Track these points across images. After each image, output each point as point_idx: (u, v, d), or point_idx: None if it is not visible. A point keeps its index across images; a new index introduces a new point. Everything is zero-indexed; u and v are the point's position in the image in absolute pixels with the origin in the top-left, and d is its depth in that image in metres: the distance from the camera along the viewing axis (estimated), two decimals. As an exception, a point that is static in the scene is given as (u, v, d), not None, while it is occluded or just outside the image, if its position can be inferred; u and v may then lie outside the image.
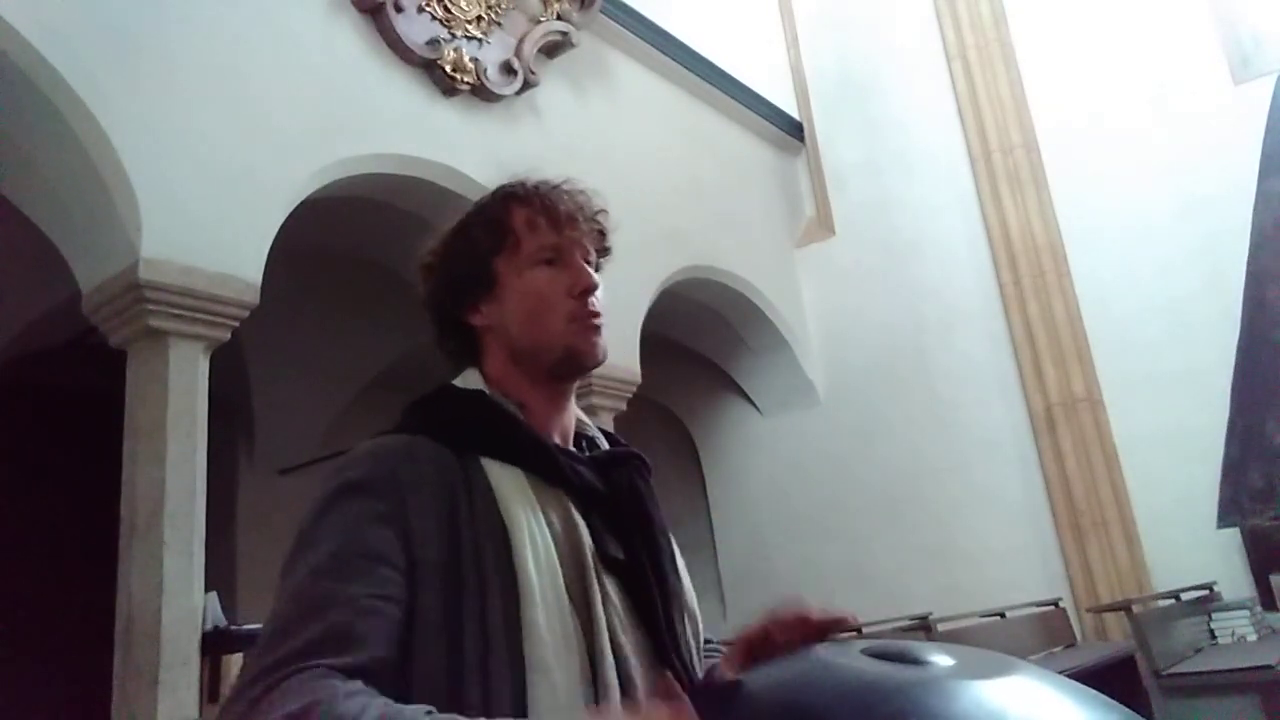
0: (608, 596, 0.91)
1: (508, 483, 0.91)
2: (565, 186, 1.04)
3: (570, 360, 0.99)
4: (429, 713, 0.73)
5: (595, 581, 0.90)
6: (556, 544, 0.90)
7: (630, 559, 0.95)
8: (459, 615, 0.84)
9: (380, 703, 0.73)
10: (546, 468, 0.94)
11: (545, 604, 0.85)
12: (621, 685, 0.87)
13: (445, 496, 0.89)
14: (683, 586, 1.00)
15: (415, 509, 0.87)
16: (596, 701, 0.85)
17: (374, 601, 0.81)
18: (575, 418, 1.06)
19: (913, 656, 0.61)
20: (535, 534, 0.89)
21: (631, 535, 0.96)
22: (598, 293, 1.01)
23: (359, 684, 0.75)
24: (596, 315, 1.00)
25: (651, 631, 0.93)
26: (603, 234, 1.05)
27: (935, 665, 0.59)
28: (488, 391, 1.00)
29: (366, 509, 0.86)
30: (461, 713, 0.75)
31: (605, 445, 1.08)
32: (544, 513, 0.91)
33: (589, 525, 0.93)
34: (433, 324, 1.07)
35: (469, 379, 1.02)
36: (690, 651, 0.96)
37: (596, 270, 1.04)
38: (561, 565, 0.89)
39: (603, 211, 1.06)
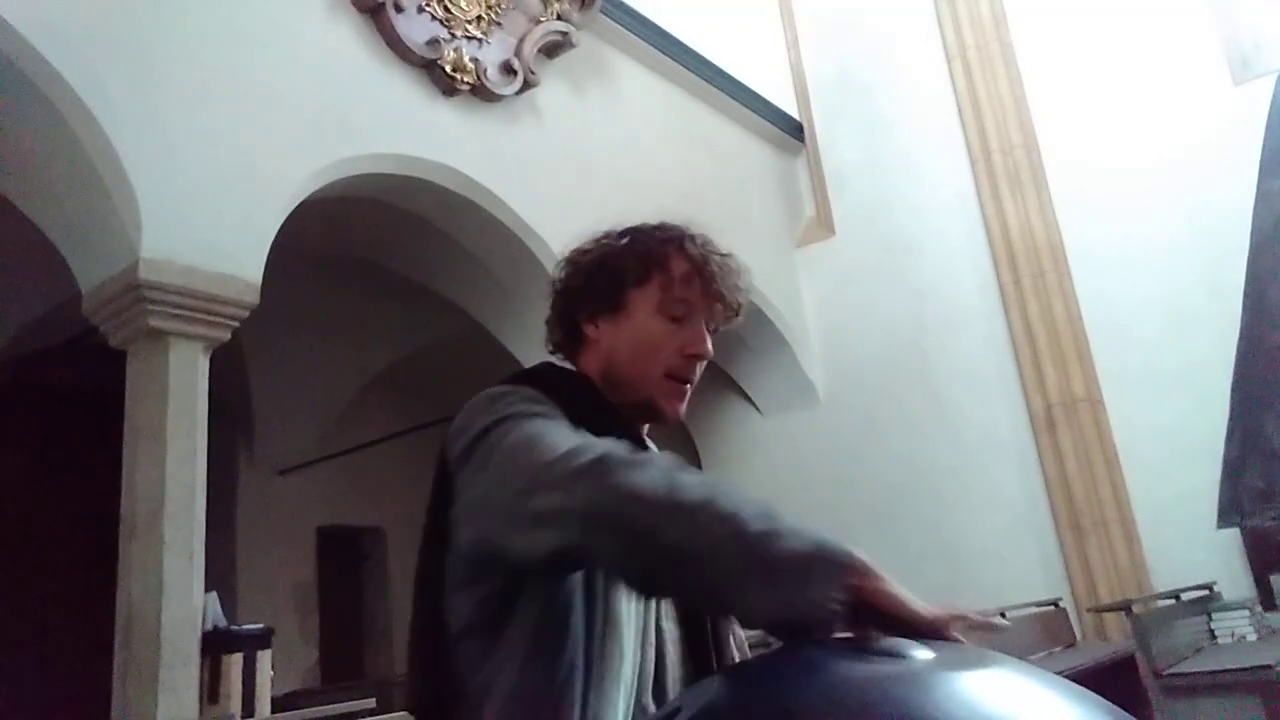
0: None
1: None
2: (729, 261, 1.05)
3: (648, 410, 1.03)
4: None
5: None
6: None
7: None
8: None
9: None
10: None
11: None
12: (657, 664, 0.92)
13: None
14: None
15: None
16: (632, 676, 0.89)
17: None
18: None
19: (895, 651, 0.61)
20: None
21: None
22: (703, 363, 1.05)
23: None
24: (690, 382, 1.04)
25: (692, 628, 0.97)
26: (736, 316, 1.08)
27: (914, 659, 0.60)
28: (590, 374, 1.05)
29: (544, 412, 0.91)
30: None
31: None
32: None
33: None
34: (551, 307, 1.10)
35: (566, 365, 1.07)
36: (730, 648, 1.00)
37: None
38: None
39: (748, 294, 1.08)
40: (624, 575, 0.78)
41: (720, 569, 0.69)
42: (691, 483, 0.73)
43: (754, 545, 0.68)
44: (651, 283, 1.02)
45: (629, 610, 0.90)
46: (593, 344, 1.05)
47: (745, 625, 0.77)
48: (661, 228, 1.06)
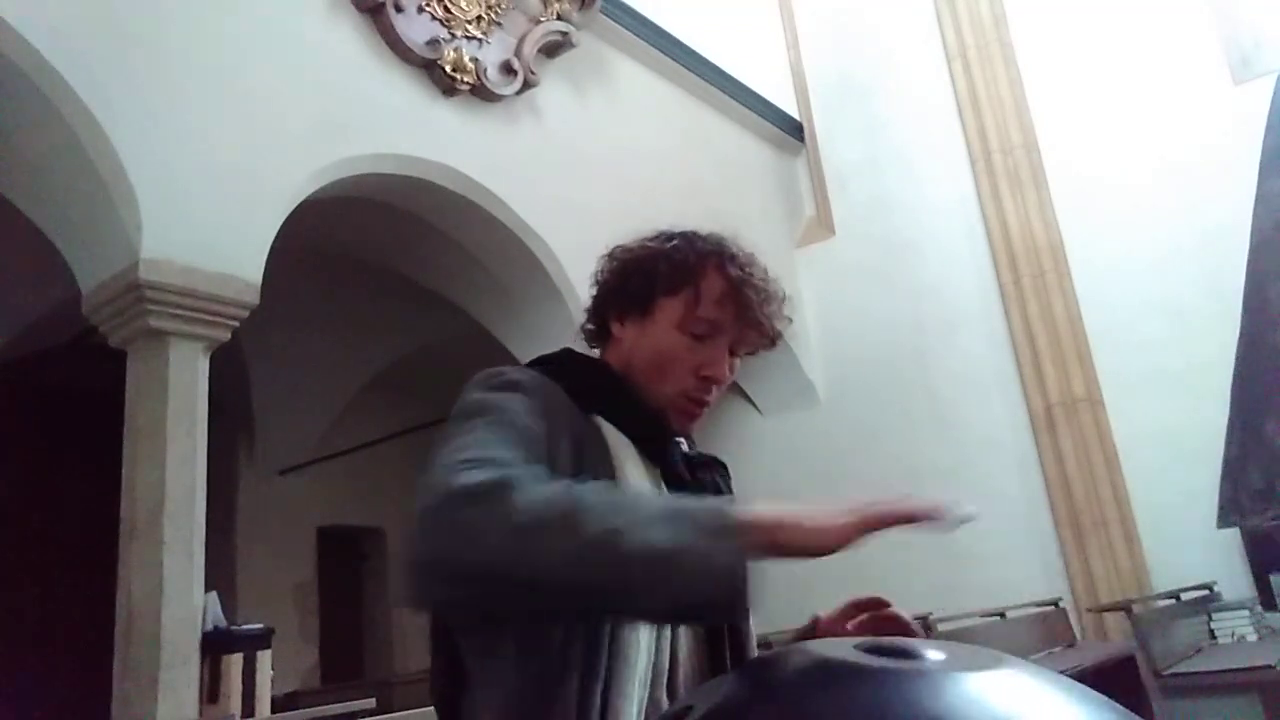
0: None
1: (619, 441, 0.96)
2: (767, 285, 1.02)
3: (657, 421, 1.01)
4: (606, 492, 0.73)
5: None
6: None
7: None
8: None
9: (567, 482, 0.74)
10: (652, 441, 0.99)
11: None
12: (671, 658, 0.91)
13: (574, 430, 0.92)
14: None
15: (556, 426, 0.90)
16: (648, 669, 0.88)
17: (535, 461, 0.83)
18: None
19: (905, 651, 0.61)
20: (640, 486, 0.94)
21: None
22: (721, 387, 1.03)
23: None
24: (705, 404, 1.02)
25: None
26: (767, 343, 1.05)
27: (926, 659, 0.60)
28: (611, 364, 1.04)
29: (525, 403, 0.89)
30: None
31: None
32: (648, 482, 0.96)
33: None
34: (591, 297, 1.09)
35: (590, 353, 1.07)
36: (751, 641, 1.00)
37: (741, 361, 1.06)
38: None
39: (785, 321, 1.05)
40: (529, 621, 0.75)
41: (617, 585, 0.66)
42: (558, 502, 0.69)
43: (645, 552, 0.65)
44: (681, 295, 1.00)
45: None
46: (617, 342, 1.05)
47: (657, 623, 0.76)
48: (706, 239, 1.04)
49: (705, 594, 0.65)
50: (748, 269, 1.01)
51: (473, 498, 0.70)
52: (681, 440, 1.09)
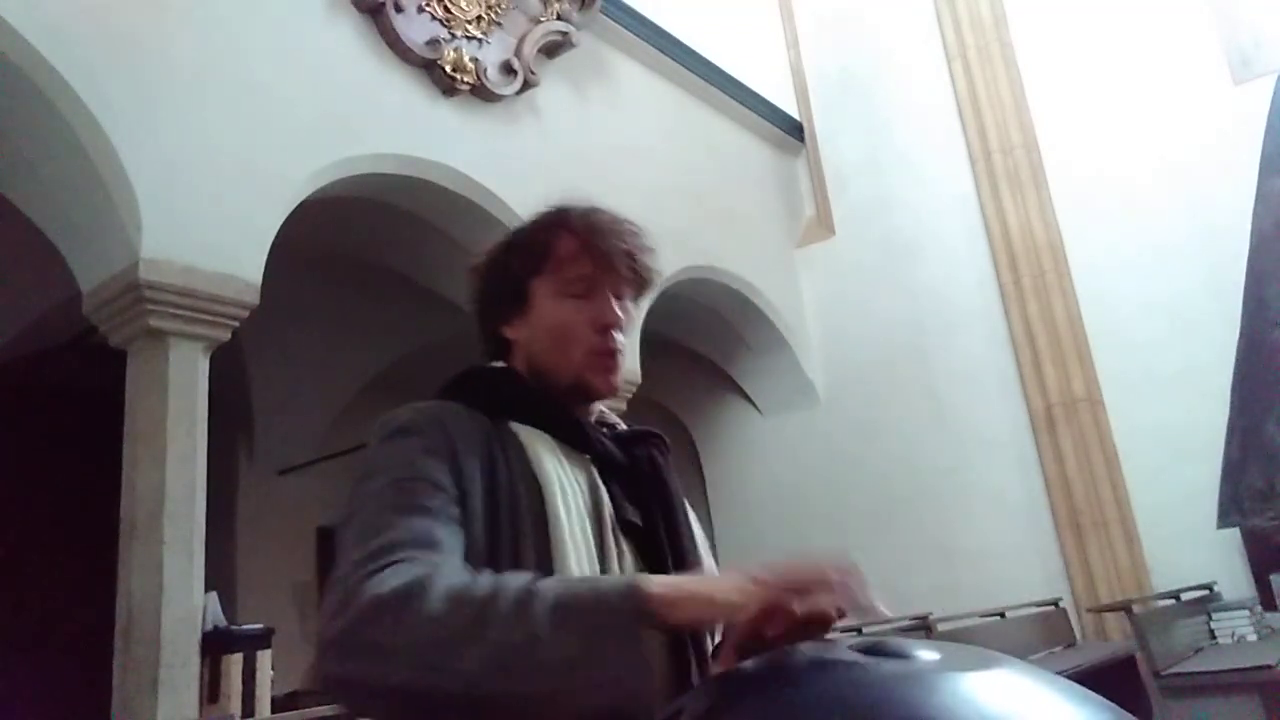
0: (623, 555, 0.97)
1: (537, 441, 0.98)
2: (616, 224, 1.05)
3: (581, 390, 1.03)
4: (529, 584, 0.74)
5: (613, 540, 0.96)
6: (582, 499, 0.97)
7: (647, 525, 1.00)
8: (497, 553, 0.88)
9: (488, 574, 0.76)
10: (572, 432, 1.01)
11: (575, 547, 0.91)
12: None
13: (483, 446, 0.94)
14: (699, 554, 1.05)
15: (461, 451, 0.92)
16: None
17: (442, 514, 0.86)
18: (595, 412, 1.10)
19: (899, 651, 0.61)
20: (565, 485, 0.95)
21: (649, 504, 1.02)
22: (621, 330, 1.04)
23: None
24: (614, 352, 1.03)
25: None
26: (643, 276, 1.07)
27: (919, 659, 0.60)
28: (517, 369, 1.06)
29: (420, 444, 0.91)
30: None
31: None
32: (571, 470, 0.98)
33: (609, 491, 0.99)
34: (476, 320, 1.11)
35: (496, 364, 1.09)
36: (709, 642, 1.00)
37: (635, 302, 1.08)
38: (587, 520, 0.95)
39: (649, 251, 1.07)
40: None
41: (522, 701, 0.68)
42: (465, 612, 0.71)
43: (544, 656, 0.68)
44: (544, 269, 1.03)
45: None
46: (515, 345, 1.07)
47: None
48: (545, 213, 1.07)
49: (609, 704, 0.68)
50: (593, 217, 1.04)
51: (380, 616, 0.72)
52: (619, 423, 1.12)
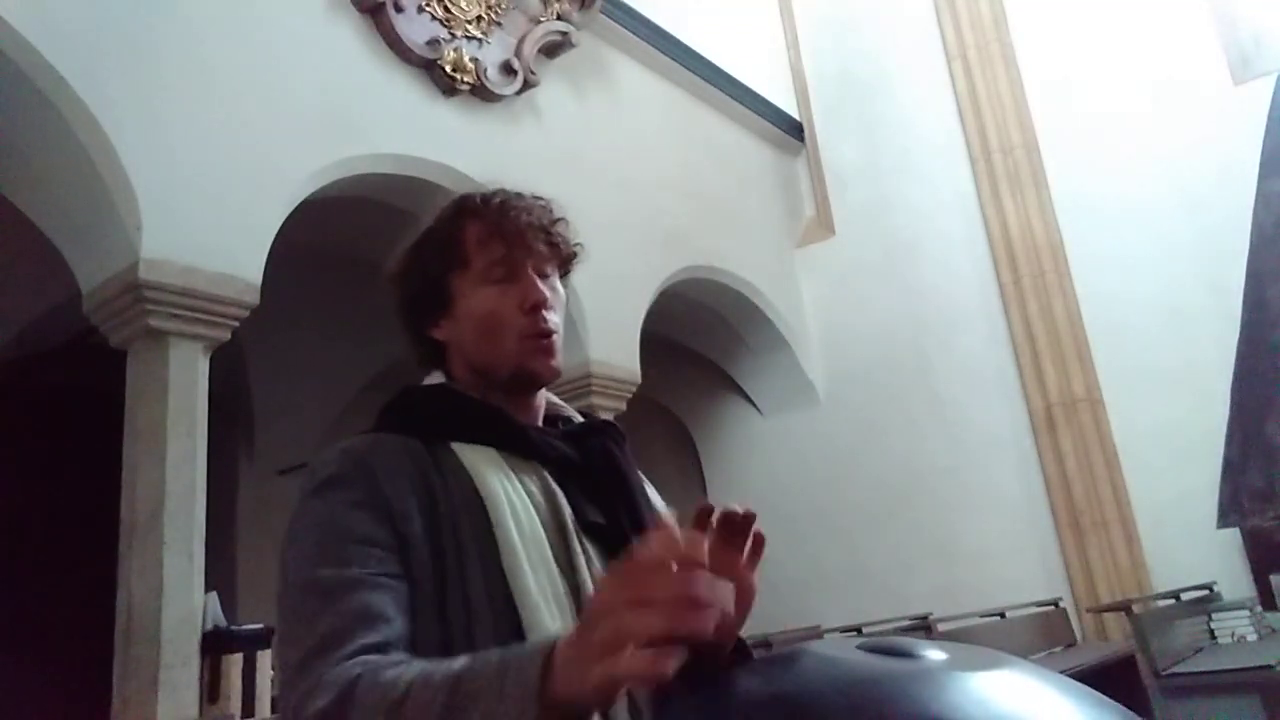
0: (590, 559, 0.93)
1: (480, 459, 0.93)
2: (520, 201, 1.01)
3: (521, 378, 1.00)
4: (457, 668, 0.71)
5: (578, 545, 0.92)
6: (538, 511, 0.92)
7: (611, 522, 0.96)
8: (443, 587, 0.85)
9: (418, 665, 0.73)
10: (517, 442, 0.96)
11: (533, 568, 0.87)
12: None
13: (417, 478, 0.90)
14: None
15: (392, 492, 0.88)
16: None
17: (377, 579, 0.82)
18: (543, 406, 1.06)
19: (906, 651, 0.61)
20: (515, 502, 0.91)
21: (611, 500, 0.98)
22: (554, 309, 1.00)
23: (399, 655, 0.77)
24: (548, 333, 0.99)
25: None
26: (561, 247, 1.03)
27: (927, 658, 0.60)
28: (449, 384, 1.02)
29: (343, 498, 0.88)
30: None
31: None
32: (522, 483, 0.93)
33: (567, 494, 0.95)
34: (404, 333, 1.08)
35: (433, 379, 1.04)
36: None
37: (562, 280, 1.04)
38: (545, 532, 0.91)
39: (561, 221, 1.03)
40: None
41: None
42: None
43: None
44: (460, 262, 1.00)
45: (549, 614, 0.86)
46: (447, 346, 1.03)
47: None
48: (447, 206, 1.04)
49: None
50: (495, 199, 1.01)
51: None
52: (574, 415, 1.08)
